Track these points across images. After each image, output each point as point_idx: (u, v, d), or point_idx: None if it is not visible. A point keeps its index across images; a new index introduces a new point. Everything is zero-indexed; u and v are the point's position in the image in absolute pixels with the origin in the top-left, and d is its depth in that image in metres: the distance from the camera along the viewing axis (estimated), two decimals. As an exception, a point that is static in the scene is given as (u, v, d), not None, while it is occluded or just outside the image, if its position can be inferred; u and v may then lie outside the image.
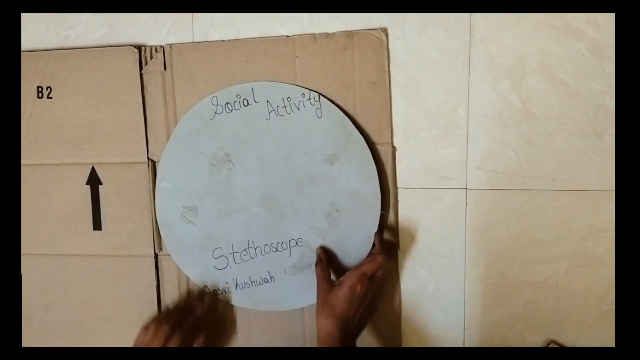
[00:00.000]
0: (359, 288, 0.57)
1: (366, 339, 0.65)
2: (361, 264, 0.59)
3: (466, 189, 0.63)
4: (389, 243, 0.64)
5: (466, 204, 0.63)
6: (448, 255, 0.64)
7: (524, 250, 0.63)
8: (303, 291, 0.65)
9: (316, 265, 0.63)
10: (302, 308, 0.66)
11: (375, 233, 0.63)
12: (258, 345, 0.68)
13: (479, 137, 0.62)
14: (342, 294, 0.57)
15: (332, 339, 0.55)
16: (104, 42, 0.67)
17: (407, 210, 0.64)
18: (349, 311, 0.57)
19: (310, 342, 0.66)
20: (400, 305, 0.66)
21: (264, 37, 0.64)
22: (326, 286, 0.59)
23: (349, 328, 0.57)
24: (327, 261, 0.63)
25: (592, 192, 0.61)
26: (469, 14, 0.61)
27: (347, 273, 0.59)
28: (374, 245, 0.63)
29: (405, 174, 0.64)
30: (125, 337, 0.70)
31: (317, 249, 0.65)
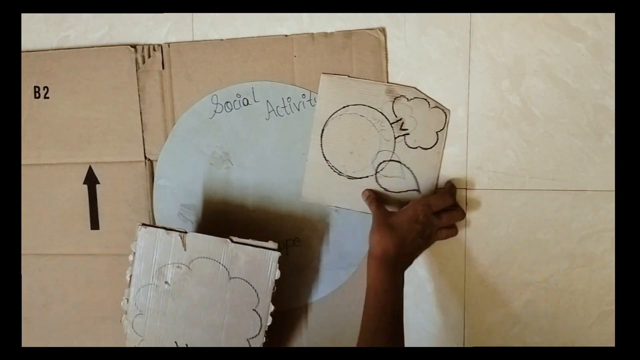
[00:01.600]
0: (421, 216, 0.57)
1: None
2: (429, 196, 0.60)
3: (466, 188, 0.63)
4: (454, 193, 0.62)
5: (466, 204, 0.63)
6: (448, 255, 0.64)
7: (524, 250, 0.63)
8: (299, 290, 0.65)
9: (370, 204, 0.61)
10: (301, 307, 0.66)
11: (448, 181, 0.62)
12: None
13: (479, 137, 0.62)
14: (404, 216, 0.57)
15: (386, 256, 0.55)
16: (104, 42, 0.67)
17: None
18: (408, 234, 0.56)
19: (309, 342, 0.66)
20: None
21: (262, 36, 0.64)
22: (382, 212, 0.59)
23: (403, 250, 0.56)
24: (378, 199, 0.62)
25: (592, 192, 0.61)
26: (469, 14, 0.61)
27: (412, 201, 0.59)
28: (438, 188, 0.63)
29: (405, 174, 0.64)
30: (124, 337, 0.70)
31: (363, 193, 0.63)
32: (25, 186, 0.70)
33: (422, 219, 0.57)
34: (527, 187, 0.62)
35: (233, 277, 0.58)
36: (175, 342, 0.61)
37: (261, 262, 0.58)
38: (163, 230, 0.59)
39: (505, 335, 0.64)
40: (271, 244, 0.58)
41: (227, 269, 0.58)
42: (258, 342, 0.60)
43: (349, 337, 0.65)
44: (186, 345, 0.60)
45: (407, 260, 0.58)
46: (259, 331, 0.59)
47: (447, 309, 0.65)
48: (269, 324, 0.59)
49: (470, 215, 0.63)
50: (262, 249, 0.58)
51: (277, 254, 0.58)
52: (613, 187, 0.60)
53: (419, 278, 0.65)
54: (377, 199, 0.62)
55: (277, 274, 0.58)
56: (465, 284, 0.64)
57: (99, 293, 0.70)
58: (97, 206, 0.68)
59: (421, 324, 0.65)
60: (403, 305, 0.56)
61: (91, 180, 0.68)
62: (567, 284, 0.62)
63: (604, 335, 0.62)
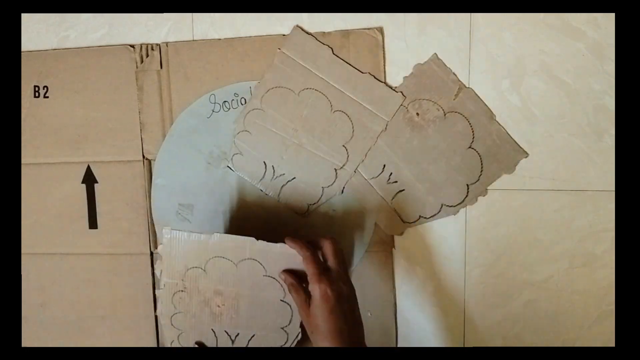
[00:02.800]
0: (328, 291, 0.50)
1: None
2: (307, 273, 0.53)
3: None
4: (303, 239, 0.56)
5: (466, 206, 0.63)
6: (448, 255, 0.64)
7: (524, 250, 0.63)
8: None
9: (289, 290, 0.55)
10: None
11: (286, 238, 0.56)
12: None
13: (479, 137, 0.62)
14: (319, 310, 0.50)
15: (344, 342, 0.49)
16: (104, 42, 0.67)
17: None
18: (338, 320, 0.50)
19: (307, 341, 0.66)
20: (395, 305, 0.65)
21: (260, 35, 0.64)
22: (305, 311, 0.52)
23: (349, 342, 0.50)
24: (299, 281, 0.55)
25: (592, 192, 0.61)
26: (469, 14, 0.61)
27: (309, 287, 0.52)
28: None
29: (405, 174, 0.64)
30: (122, 336, 0.70)
31: (280, 275, 0.57)
32: (24, 185, 0.69)
33: (330, 290, 0.50)
34: (527, 187, 0.62)
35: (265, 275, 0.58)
36: (213, 330, 0.61)
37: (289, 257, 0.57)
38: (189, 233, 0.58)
39: (505, 335, 0.64)
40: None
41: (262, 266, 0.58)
42: (294, 330, 0.60)
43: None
44: (226, 332, 0.61)
45: (357, 329, 0.52)
46: (291, 319, 0.59)
47: (447, 309, 0.65)
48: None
49: (470, 215, 0.63)
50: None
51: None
52: (613, 187, 0.60)
53: (419, 278, 0.65)
54: (297, 281, 0.55)
55: None
56: (465, 284, 0.64)
57: (97, 292, 0.70)
58: (96, 205, 0.68)
59: (421, 324, 0.65)
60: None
61: (89, 179, 0.68)
62: (567, 284, 0.62)
63: (604, 335, 0.62)
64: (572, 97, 0.60)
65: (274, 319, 0.60)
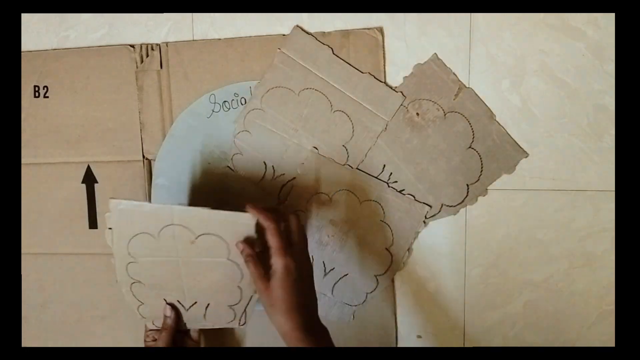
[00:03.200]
0: (292, 265, 0.50)
1: (359, 340, 0.65)
2: (270, 245, 0.51)
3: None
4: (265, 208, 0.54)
5: (466, 206, 0.63)
6: (448, 255, 0.64)
7: (524, 250, 0.63)
8: None
9: (246, 262, 0.53)
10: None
11: (247, 206, 0.53)
12: (252, 345, 0.68)
13: (479, 137, 0.62)
14: (281, 283, 0.49)
15: (297, 340, 0.49)
16: (104, 42, 0.67)
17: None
18: (300, 295, 0.49)
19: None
20: (395, 305, 0.65)
21: (260, 35, 0.64)
22: (264, 284, 0.51)
23: (308, 317, 0.50)
24: (256, 254, 0.53)
25: (592, 192, 0.61)
26: (469, 14, 0.61)
27: (271, 260, 0.51)
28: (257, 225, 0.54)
29: (405, 174, 0.64)
30: (122, 336, 0.70)
31: (238, 244, 0.54)
32: (24, 185, 0.69)
33: (293, 265, 0.50)
34: (527, 187, 0.62)
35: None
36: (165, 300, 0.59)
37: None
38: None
39: (505, 335, 0.64)
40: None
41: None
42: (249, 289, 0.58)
43: (346, 337, 0.65)
44: (179, 302, 0.59)
45: (306, 299, 0.51)
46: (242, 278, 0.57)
47: (447, 309, 0.65)
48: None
49: (470, 215, 0.63)
50: None
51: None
52: (613, 187, 0.60)
53: (419, 278, 0.65)
54: (254, 253, 0.53)
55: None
56: (465, 284, 0.64)
57: (97, 292, 0.70)
58: (96, 205, 0.68)
59: (421, 324, 0.65)
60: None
61: (89, 179, 0.68)
62: (567, 284, 0.62)
63: (604, 335, 0.62)
64: (572, 97, 0.60)
65: (225, 282, 0.57)
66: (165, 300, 0.59)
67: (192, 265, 0.56)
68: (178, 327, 0.60)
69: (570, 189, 0.61)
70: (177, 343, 0.60)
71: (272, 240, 0.51)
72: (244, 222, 0.53)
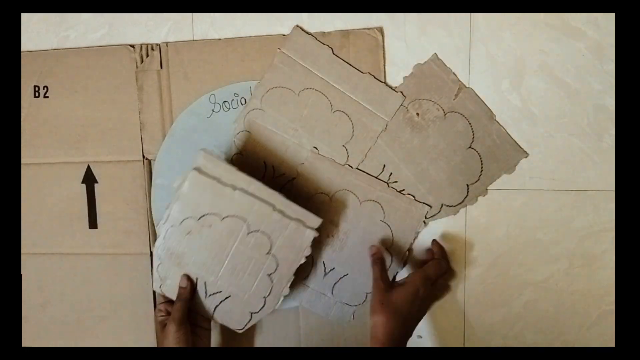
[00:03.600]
0: (421, 291, 0.56)
1: (359, 340, 0.65)
2: (426, 266, 0.59)
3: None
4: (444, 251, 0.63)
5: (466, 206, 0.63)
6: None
7: (524, 250, 0.63)
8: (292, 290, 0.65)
9: (374, 264, 0.60)
10: (297, 307, 0.66)
11: (433, 240, 0.63)
12: (253, 345, 0.68)
13: (479, 137, 0.62)
14: (405, 294, 0.56)
15: (392, 339, 0.53)
16: (104, 42, 0.67)
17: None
18: (411, 312, 0.55)
19: (306, 341, 0.66)
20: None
21: (260, 35, 0.64)
22: (384, 285, 0.57)
23: (406, 329, 0.56)
24: (384, 261, 0.61)
25: (592, 192, 0.61)
26: (469, 14, 0.61)
27: (411, 274, 0.58)
28: (429, 249, 0.63)
29: (405, 174, 0.64)
30: (122, 336, 0.70)
31: (372, 248, 0.62)
32: (24, 185, 0.69)
33: (423, 293, 0.56)
34: (527, 187, 0.62)
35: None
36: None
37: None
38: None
39: (505, 335, 0.64)
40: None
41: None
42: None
43: (346, 337, 0.65)
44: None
45: (409, 333, 0.57)
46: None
47: (447, 309, 0.65)
48: (285, 294, 0.60)
49: (470, 215, 0.63)
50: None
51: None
52: (613, 187, 0.60)
53: (418, 278, 0.65)
54: (383, 259, 0.61)
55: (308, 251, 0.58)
56: (465, 284, 0.64)
57: (97, 292, 0.70)
58: (96, 205, 0.68)
59: (421, 324, 0.65)
60: None
61: (89, 179, 0.68)
62: (567, 284, 0.62)
63: (604, 335, 0.62)
64: (572, 97, 0.60)
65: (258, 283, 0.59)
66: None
67: (237, 255, 0.58)
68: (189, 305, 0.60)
69: (570, 189, 0.61)
70: (190, 319, 0.60)
71: (433, 269, 0.58)
72: (310, 223, 0.57)
